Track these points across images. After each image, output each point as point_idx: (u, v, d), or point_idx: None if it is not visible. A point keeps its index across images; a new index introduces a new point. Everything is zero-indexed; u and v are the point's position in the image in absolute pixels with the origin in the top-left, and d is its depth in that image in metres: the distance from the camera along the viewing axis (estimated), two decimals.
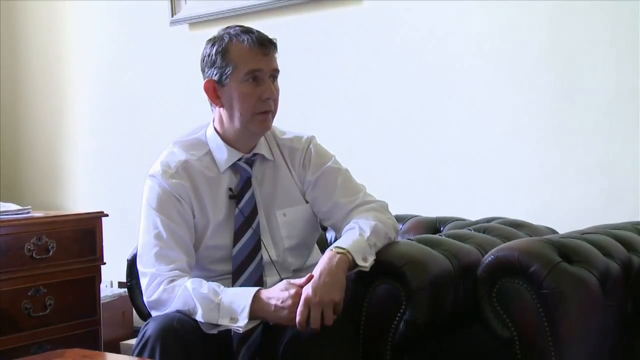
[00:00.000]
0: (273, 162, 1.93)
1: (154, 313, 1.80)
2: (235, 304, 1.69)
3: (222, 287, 1.75)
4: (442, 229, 2.38)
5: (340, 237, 1.84)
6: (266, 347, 1.79)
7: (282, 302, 1.67)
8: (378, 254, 1.78)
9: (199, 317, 1.70)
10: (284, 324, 1.70)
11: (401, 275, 1.74)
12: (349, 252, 1.72)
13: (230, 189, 1.88)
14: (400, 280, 1.74)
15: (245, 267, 1.85)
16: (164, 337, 1.66)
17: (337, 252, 1.71)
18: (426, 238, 1.94)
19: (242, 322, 1.67)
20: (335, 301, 1.66)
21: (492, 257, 1.72)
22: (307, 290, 1.66)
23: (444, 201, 2.68)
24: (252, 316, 1.68)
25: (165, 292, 1.76)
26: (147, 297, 1.80)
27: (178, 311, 1.74)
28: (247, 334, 1.77)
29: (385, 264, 1.77)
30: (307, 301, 1.65)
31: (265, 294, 1.70)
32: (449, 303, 1.81)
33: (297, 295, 1.66)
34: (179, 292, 1.74)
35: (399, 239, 1.95)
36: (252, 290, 1.71)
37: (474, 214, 2.45)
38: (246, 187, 1.89)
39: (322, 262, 1.71)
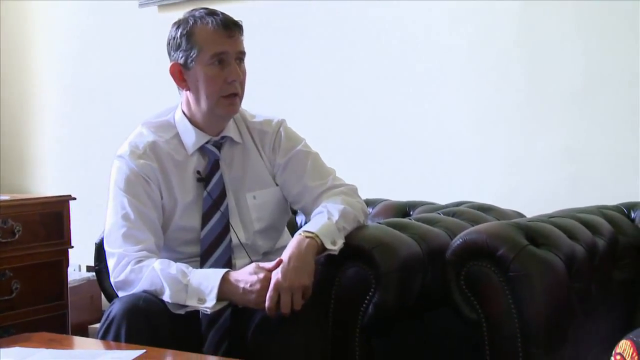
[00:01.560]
0: (242, 145, 1.92)
1: (120, 294, 1.79)
2: (203, 285, 1.68)
3: (190, 268, 1.74)
4: (411, 213, 2.39)
5: (309, 220, 1.84)
6: (235, 330, 1.78)
7: (250, 285, 1.67)
8: (347, 237, 1.78)
9: (166, 298, 1.69)
10: (252, 307, 1.70)
11: (370, 259, 1.74)
12: (317, 236, 1.72)
13: (198, 172, 1.87)
14: (369, 263, 1.74)
15: (213, 250, 1.84)
16: (129, 317, 1.65)
17: (306, 237, 1.71)
18: (395, 222, 1.94)
19: (209, 303, 1.67)
20: (305, 285, 1.66)
21: (460, 240, 1.73)
22: (276, 275, 1.66)
23: (413, 185, 2.69)
24: (220, 297, 1.67)
25: (132, 273, 1.75)
26: (114, 277, 1.79)
27: (145, 291, 1.72)
28: (216, 316, 1.77)
29: (354, 247, 1.77)
30: (277, 286, 1.65)
31: (234, 276, 1.69)
32: (417, 286, 1.82)
33: (266, 279, 1.66)
34: (147, 272, 1.73)
35: (369, 222, 1.95)
36: (221, 271, 1.70)
37: (443, 198, 2.46)
38: (214, 170, 1.88)
39: (291, 246, 1.71)
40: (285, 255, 1.70)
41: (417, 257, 1.81)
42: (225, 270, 1.71)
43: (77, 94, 3.59)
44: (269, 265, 1.70)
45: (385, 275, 1.73)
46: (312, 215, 1.84)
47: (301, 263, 1.68)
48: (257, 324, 1.70)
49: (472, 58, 2.62)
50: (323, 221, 1.76)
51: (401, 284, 1.76)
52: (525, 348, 1.64)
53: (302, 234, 1.73)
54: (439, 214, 2.17)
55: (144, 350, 1.54)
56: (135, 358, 1.50)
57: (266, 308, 1.65)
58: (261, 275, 1.66)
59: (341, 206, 1.80)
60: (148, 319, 1.66)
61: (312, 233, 1.72)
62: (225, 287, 1.68)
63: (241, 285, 1.67)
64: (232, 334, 1.79)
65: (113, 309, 1.69)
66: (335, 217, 1.77)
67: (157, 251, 1.82)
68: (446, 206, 2.35)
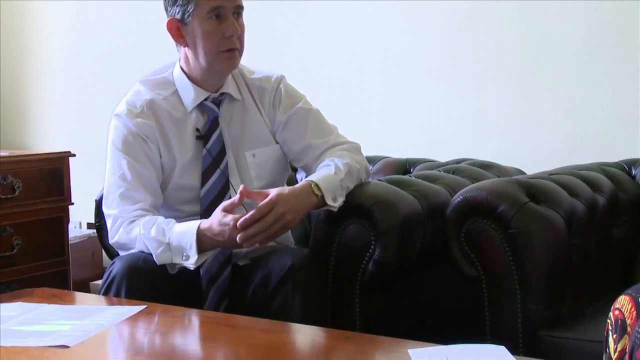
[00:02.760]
0: (241, 101, 1.90)
1: (121, 253, 1.81)
2: (183, 242, 1.69)
3: (171, 223, 1.74)
4: (411, 170, 2.39)
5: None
6: (235, 289, 1.79)
7: (222, 234, 1.66)
8: (348, 194, 1.78)
9: (155, 259, 1.71)
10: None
11: (370, 216, 1.74)
12: (320, 189, 1.71)
13: (197, 130, 1.86)
14: (369, 220, 1.74)
15: (213, 208, 1.80)
16: (129, 276, 1.67)
17: (311, 186, 1.72)
18: (396, 179, 1.93)
19: (192, 259, 1.68)
20: (292, 223, 1.68)
21: (460, 197, 1.73)
22: (278, 195, 1.65)
23: (413, 143, 2.69)
24: (200, 250, 1.69)
25: (125, 234, 1.76)
26: (110, 238, 1.80)
27: (142, 251, 1.74)
28: (216, 275, 1.78)
29: (354, 204, 1.76)
30: (272, 204, 1.64)
31: (207, 229, 1.69)
32: (417, 243, 1.82)
33: (241, 225, 1.65)
34: (138, 234, 1.75)
35: (370, 179, 1.95)
36: (194, 226, 1.70)
37: (443, 156, 2.46)
38: (213, 127, 1.87)
39: (300, 185, 1.71)
40: (292, 188, 1.70)
41: (417, 214, 1.80)
42: (197, 223, 1.70)
43: (77, 50, 3.55)
44: (230, 202, 1.68)
45: (385, 232, 1.72)
46: (318, 167, 1.83)
47: (302, 203, 1.68)
48: (257, 283, 1.72)
49: (472, 15, 2.58)
50: (329, 175, 1.75)
51: (401, 241, 1.76)
52: (525, 304, 1.65)
53: (307, 181, 1.72)
54: (439, 171, 2.16)
55: (145, 306, 1.56)
56: (136, 313, 1.51)
57: (239, 226, 1.64)
58: (230, 222, 1.65)
59: (349, 162, 1.79)
60: (148, 278, 1.68)
61: (316, 185, 1.71)
62: (203, 240, 1.68)
63: (218, 238, 1.67)
64: (232, 293, 1.80)
65: (114, 268, 1.70)
66: (342, 173, 1.76)
67: (154, 210, 1.82)
68: (446, 163, 2.34)
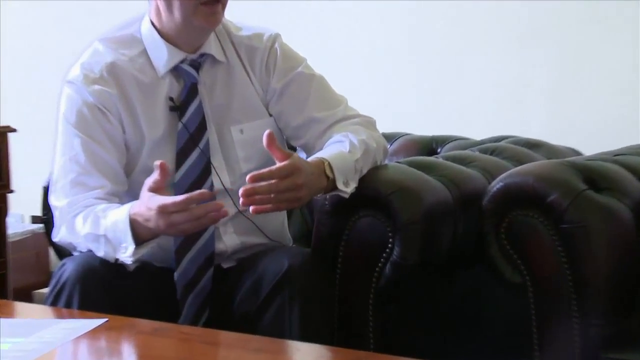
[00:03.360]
0: (226, 64, 1.92)
1: (74, 253, 1.83)
2: (118, 232, 1.70)
3: (107, 211, 1.74)
4: (439, 150, 2.41)
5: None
6: (218, 297, 1.81)
7: (154, 223, 1.65)
8: (360, 179, 1.78)
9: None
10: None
11: (388, 206, 1.74)
12: (332, 169, 1.72)
13: (171, 99, 1.87)
14: (386, 212, 1.74)
15: None
16: (84, 281, 1.67)
17: (324, 164, 1.73)
18: (419, 161, 1.94)
19: (128, 252, 1.68)
20: (303, 200, 1.68)
21: (500, 184, 1.74)
22: (299, 165, 1.65)
23: (441, 117, 2.71)
24: (139, 240, 1.69)
25: (67, 230, 1.78)
26: (54, 236, 1.82)
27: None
28: (194, 279, 1.80)
29: (368, 191, 1.77)
30: (293, 169, 1.63)
31: (138, 214, 1.68)
32: (446, 241, 1.82)
33: (162, 212, 1.63)
34: (80, 229, 1.76)
35: (387, 161, 1.96)
36: (124, 211, 1.70)
37: (478, 133, 2.48)
38: (191, 96, 1.87)
39: (310, 161, 1.73)
40: (307, 162, 1.71)
41: (446, 205, 1.81)
42: (127, 209, 1.70)
43: (20, 3, 3.53)
44: (154, 178, 1.68)
45: (405, 227, 1.73)
46: (325, 144, 1.84)
47: (315, 183, 1.68)
48: (245, 291, 1.73)
49: None
50: (342, 153, 1.76)
51: (425, 239, 1.76)
52: (582, 318, 1.66)
53: (319, 159, 1.73)
54: (473, 151, 2.17)
55: (106, 320, 1.55)
56: (93, 329, 1.51)
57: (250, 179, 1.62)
58: (154, 204, 1.64)
59: (364, 139, 1.81)
60: (108, 283, 1.69)
61: (329, 165, 1.72)
62: (137, 227, 1.69)
63: (150, 225, 1.67)
64: (215, 302, 1.81)
65: (64, 271, 1.71)
66: (357, 152, 1.77)
67: (115, 199, 1.83)
68: (483, 142, 2.36)
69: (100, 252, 1.72)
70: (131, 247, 1.68)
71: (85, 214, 1.76)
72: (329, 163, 1.71)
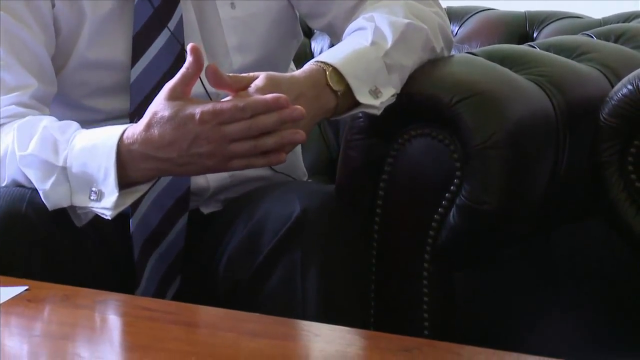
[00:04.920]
0: None
1: None
2: (90, 166, 1.66)
3: (69, 130, 1.71)
4: (535, 34, 2.40)
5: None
6: (195, 257, 1.84)
7: (178, 150, 1.59)
8: (410, 80, 1.75)
9: (42, 197, 1.69)
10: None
11: (454, 121, 1.71)
12: (342, 76, 1.67)
13: None
14: (451, 129, 1.72)
15: None
16: (4, 232, 1.66)
17: (323, 70, 1.69)
18: (504, 51, 1.94)
19: (109, 199, 1.64)
20: (302, 135, 1.62)
21: (629, 88, 1.70)
22: (273, 79, 1.62)
23: None
24: (125, 183, 1.65)
25: None
26: None
27: (20, 185, 1.74)
28: (159, 231, 1.81)
29: (422, 98, 1.74)
30: (267, 86, 1.59)
31: (141, 139, 1.62)
32: (542, 176, 1.80)
33: (204, 120, 1.57)
34: (7, 151, 1.73)
35: (453, 52, 1.97)
36: (113, 135, 1.66)
37: (595, 9, 2.44)
38: None
39: (300, 71, 1.70)
40: (291, 75, 1.68)
41: (545, 120, 1.79)
42: (120, 129, 1.66)
43: None
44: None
45: (481, 153, 1.69)
46: (345, 34, 1.84)
47: (310, 104, 1.63)
48: (236, 247, 1.73)
49: None
50: (361, 48, 1.73)
51: (511, 172, 1.72)
52: None
53: (316, 64, 1.70)
54: (588, 35, 2.17)
55: (25, 288, 1.53)
56: (10, 299, 1.49)
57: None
58: (189, 111, 1.58)
59: (402, 20, 1.78)
60: (37, 234, 1.68)
61: (335, 70, 1.68)
62: (130, 161, 1.64)
63: (159, 149, 1.60)
64: (191, 264, 1.84)
65: None
66: (387, 41, 1.74)
67: (42, 107, 1.84)
68: (603, 21, 2.34)
69: (44, 189, 1.68)
70: (113, 194, 1.63)
71: (22, 125, 1.73)
72: (333, 68, 1.66)
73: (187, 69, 1.60)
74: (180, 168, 1.63)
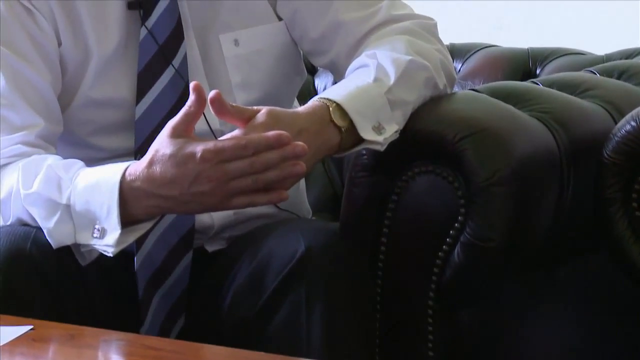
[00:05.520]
0: None
1: None
2: (94, 203, 1.65)
3: (73, 168, 1.71)
4: (537, 70, 2.39)
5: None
6: (200, 295, 1.83)
7: (180, 188, 1.58)
8: (413, 117, 1.75)
9: (46, 235, 1.69)
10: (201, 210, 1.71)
11: (458, 158, 1.70)
12: (345, 112, 1.66)
13: None
14: (455, 166, 1.71)
15: None
16: (8, 270, 1.66)
17: (327, 107, 1.68)
18: (508, 88, 1.93)
19: (111, 237, 1.63)
20: (299, 174, 1.61)
21: (633, 124, 1.71)
22: (274, 114, 1.62)
23: (542, 19, 2.67)
24: (128, 220, 1.64)
25: None
26: None
27: (25, 224, 1.74)
28: (163, 269, 1.81)
29: (426, 135, 1.74)
30: (267, 122, 1.59)
31: (144, 176, 1.61)
32: (547, 212, 1.79)
33: (212, 158, 1.56)
34: (12, 190, 1.73)
35: (456, 89, 1.97)
36: (115, 172, 1.66)
37: (597, 45, 2.45)
38: None
39: (304, 108, 1.69)
40: (294, 112, 1.69)
41: (548, 157, 1.78)
42: (123, 166, 1.66)
43: None
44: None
45: (485, 190, 1.69)
46: (349, 70, 1.84)
47: (313, 141, 1.63)
48: (241, 285, 1.73)
49: None
50: (363, 86, 1.73)
51: (516, 208, 1.71)
52: None
53: (319, 100, 1.70)
54: (591, 72, 2.16)
55: (30, 327, 1.52)
56: (14, 340, 1.48)
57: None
58: (191, 150, 1.57)
59: (405, 57, 1.78)
60: (41, 273, 1.68)
61: (338, 106, 1.67)
62: (132, 199, 1.63)
63: (162, 187, 1.60)
64: (195, 302, 1.83)
65: None
66: (390, 78, 1.74)
67: (49, 145, 1.84)
68: (606, 58, 2.34)
69: (48, 228, 1.67)
70: (115, 231, 1.63)
71: (27, 164, 1.73)
72: (337, 104, 1.66)
73: (190, 107, 1.60)
74: (183, 206, 1.62)
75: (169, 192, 1.60)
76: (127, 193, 1.63)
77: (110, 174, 1.66)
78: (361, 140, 1.68)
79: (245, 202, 1.59)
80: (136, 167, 1.64)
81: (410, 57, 1.77)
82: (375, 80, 1.73)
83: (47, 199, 1.68)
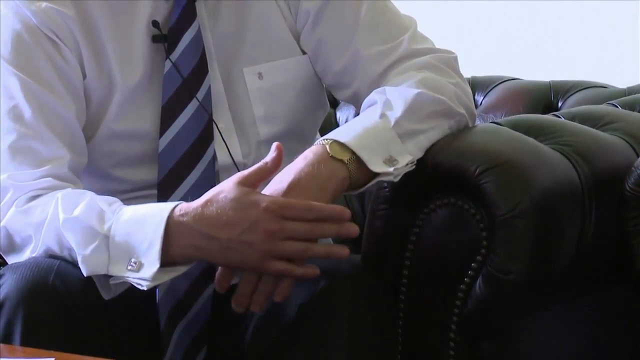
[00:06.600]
0: None
1: (10, 259, 1.80)
2: (135, 236, 1.64)
3: (115, 204, 1.71)
4: (560, 104, 2.38)
5: None
6: (220, 330, 1.82)
7: (233, 224, 1.59)
8: (432, 151, 1.74)
9: (80, 264, 1.68)
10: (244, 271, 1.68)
11: (479, 191, 1.69)
12: (345, 146, 1.67)
13: (154, 23, 1.87)
14: (477, 199, 1.71)
15: (183, 174, 1.85)
16: (30, 302, 1.64)
17: (324, 146, 1.69)
18: (530, 121, 1.92)
19: (149, 270, 1.62)
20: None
21: None
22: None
23: (565, 52, 2.64)
24: (167, 259, 1.63)
25: (18, 217, 1.74)
26: None
27: (51, 255, 1.71)
28: (184, 303, 1.80)
29: (447, 168, 1.73)
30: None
31: (196, 216, 1.63)
32: (569, 244, 1.77)
33: (269, 209, 1.58)
34: (47, 217, 1.71)
35: (478, 122, 1.99)
36: (163, 209, 1.66)
37: (621, 77, 2.43)
38: (186, 20, 1.88)
39: (300, 157, 1.70)
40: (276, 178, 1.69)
41: (571, 190, 1.77)
42: (174, 203, 1.67)
43: None
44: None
45: (507, 222, 1.68)
46: (362, 108, 1.84)
47: (320, 169, 1.66)
48: (261, 321, 1.72)
49: None
50: (368, 122, 1.74)
51: (538, 241, 1.70)
52: None
53: (322, 142, 1.71)
54: (613, 105, 2.16)
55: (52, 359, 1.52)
56: None
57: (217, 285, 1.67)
58: (251, 201, 1.59)
59: (413, 90, 1.78)
60: (64, 306, 1.65)
61: (335, 142, 1.68)
62: (177, 237, 1.63)
63: (220, 229, 1.60)
64: (215, 337, 1.82)
65: (2, 287, 1.68)
66: (397, 110, 1.74)
67: (75, 178, 1.83)
68: (627, 91, 2.33)
69: (84, 254, 1.65)
70: (154, 265, 1.62)
71: (60, 195, 1.72)
72: (334, 141, 1.67)
73: (267, 162, 1.63)
74: (222, 253, 1.62)
75: (217, 234, 1.60)
76: (172, 228, 1.63)
77: (158, 209, 1.67)
78: (375, 175, 1.69)
79: (281, 268, 1.60)
80: (189, 205, 1.65)
81: (418, 90, 1.76)
82: (382, 116, 1.74)
83: (87, 226, 1.66)
